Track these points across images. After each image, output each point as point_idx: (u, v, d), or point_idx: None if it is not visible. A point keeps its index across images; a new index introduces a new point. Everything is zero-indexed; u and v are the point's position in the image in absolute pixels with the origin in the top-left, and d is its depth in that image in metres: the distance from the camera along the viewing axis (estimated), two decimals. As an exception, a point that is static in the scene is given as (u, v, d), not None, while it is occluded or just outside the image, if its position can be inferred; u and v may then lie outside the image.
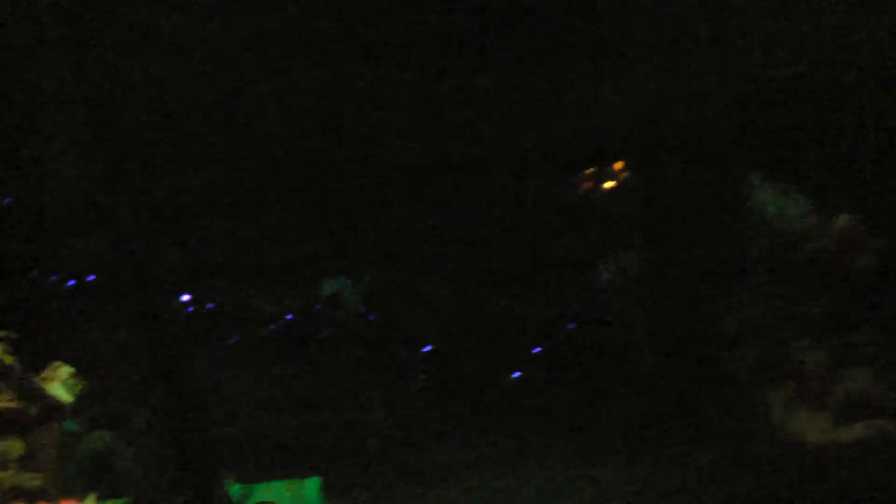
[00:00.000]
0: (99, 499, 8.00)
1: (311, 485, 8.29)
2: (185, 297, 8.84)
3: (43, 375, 7.73)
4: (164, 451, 7.57)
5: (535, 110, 9.12)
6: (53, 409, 7.72)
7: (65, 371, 7.88)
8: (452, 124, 8.96)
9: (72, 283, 8.62)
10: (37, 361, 7.72)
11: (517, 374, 9.11)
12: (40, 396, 7.70)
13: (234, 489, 8.06)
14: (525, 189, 9.08)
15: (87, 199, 8.08)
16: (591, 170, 9.32)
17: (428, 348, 9.06)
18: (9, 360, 7.68)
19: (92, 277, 9.16)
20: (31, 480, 7.93)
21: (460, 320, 9.13)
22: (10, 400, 7.81)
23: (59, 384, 7.75)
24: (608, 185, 9.38)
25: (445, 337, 9.06)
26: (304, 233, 8.87)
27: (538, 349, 9.08)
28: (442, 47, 8.82)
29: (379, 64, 8.80)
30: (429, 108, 8.97)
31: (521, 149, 8.91)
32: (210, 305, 8.96)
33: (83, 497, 7.83)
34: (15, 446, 7.90)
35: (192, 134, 8.75)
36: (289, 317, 9.00)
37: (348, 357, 9.07)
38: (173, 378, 7.36)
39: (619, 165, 9.43)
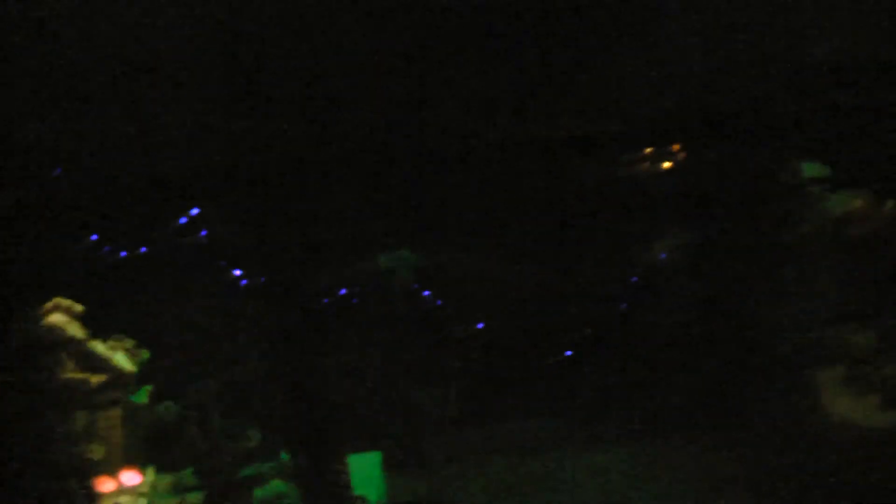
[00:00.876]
0: (163, 470, 8.15)
1: (372, 458, 8.40)
2: (237, 272, 8.93)
3: (108, 346, 7.81)
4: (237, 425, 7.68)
5: (593, 91, 9.13)
6: (118, 379, 7.82)
7: (128, 342, 7.97)
8: (509, 104, 8.97)
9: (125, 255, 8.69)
10: (101, 333, 7.83)
11: (569, 353, 9.16)
12: (106, 367, 7.80)
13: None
14: (582, 168, 9.09)
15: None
16: (649, 150, 9.33)
17: (480, 325, 9.13)
18: (75, 330, 7.78)
19: (144, 250, 9.24)
20: (93, 452, 8.09)
21: (514, 298, 9.19)
22: (74, 371, 7.95)
23: (124, 355, 7.82)
24: (666, 165, 9.39)
25: (498, 314, 9.12)
26: (362, 209, 8.90)
27: (588, 329, 9.14)
28: (498, 28, 8.83)
29: (437, 45, 8.80)
30: (484, 89, 8.98)
31: (578, 129, 8.91)
32: (263, 279, 9.01)
33: (144, 468, 7.97)
34: (78, 418, 8.03)
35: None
36: (342, 291, 9.07)
37: (400, 332, 9.14)
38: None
39: (675, 147, 9.44)
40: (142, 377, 7.79)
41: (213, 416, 7.61)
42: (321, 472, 8.00)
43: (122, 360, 7.82)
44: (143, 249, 9.10)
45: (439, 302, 9.07)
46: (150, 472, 8.00)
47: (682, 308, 9.38)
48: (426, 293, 9.10)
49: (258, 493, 7.83)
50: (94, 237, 8.81)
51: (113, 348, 7.84)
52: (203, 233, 9.06)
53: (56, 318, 7.82)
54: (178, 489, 8.19)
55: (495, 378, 9.12)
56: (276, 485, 7.88)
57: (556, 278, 9.11)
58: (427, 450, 8.56)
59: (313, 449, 8.09)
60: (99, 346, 7.81)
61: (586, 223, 9.21)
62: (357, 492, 7.90)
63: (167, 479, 8.16)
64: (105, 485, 7.98)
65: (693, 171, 9.50)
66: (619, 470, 8.70)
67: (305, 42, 8.71)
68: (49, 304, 7.86)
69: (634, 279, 9.24)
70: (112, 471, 8.01)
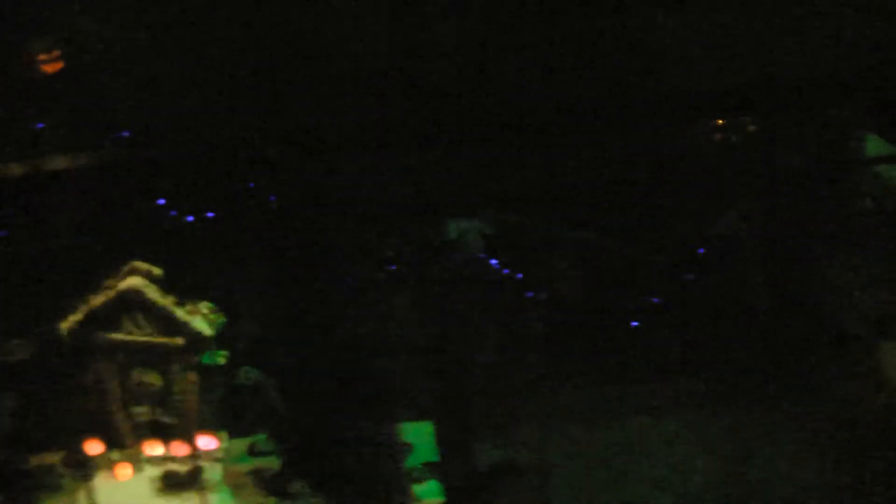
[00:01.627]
0: (239, 435, 8.16)
1: (424, 428, 8.41)
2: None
3: (186, 309, 7.80)
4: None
5: (663, 59, 9.09)
6: (196, 343, 7.81)
7: (205, 306, 7.95)
8: (581, 72, 8.93)
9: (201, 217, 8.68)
10: (179, 296, 7.81)
11: (635, 324, 9.16)
12: (184, 330, 7.79)
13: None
14: (651, 137, 9.07)
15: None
16: (720, 122, 9.29)
17: (546, 293, 9.12)
18: (152, 294, 7.77)
19: (211, 214, 9.23)
20: (167, 416, 8.10)
21: (582, 266, 9.17)
22: (151, 334, 7.94)
23: (201, 319, 7.80)
24: (734, 137, 9.36)
25: (566, 283, 9.11)
26: (432, 175, 8.88)
27: (656, 298, 9.14)
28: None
29: (515, 13, 8.77)
30: (553, 55, 8.95)
31: (649, 99, 8.88)
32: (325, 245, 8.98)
33: (220, 433, 7.97)
34: (153, 381, 8.03)
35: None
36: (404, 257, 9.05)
37: (469, 298, 9.13)
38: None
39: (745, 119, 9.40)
40: (219, 341, 7.80)
41: (293, 380, 7.61)
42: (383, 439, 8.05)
43: (200, 324, 7.79)
44: (210, 214, 9.13)
45: (507, 270, 9.08)
46: (225, 436, 8.06)
47: (747, 278, 9.38)
48: (494, 261, 9.11)
49: (335, 458, 7.88)
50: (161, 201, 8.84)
51: (191, 312, 7.83)
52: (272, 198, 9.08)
53: (134, 281, 7.84)
54: (254, 454, 8.23)
55: (563, 345, 9.12)
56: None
57: (624, 246, 9.09)
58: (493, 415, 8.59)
59: (379, 415, 8.15)
60: (178, 310, 7.81)
61: (655, 192, 9.20)
62: (422, 460, 7.93)
63: (242, 444, 8.22)
64: (180, 449, 8.03)
65: (760, 143, 9.48)
66: (690, 439, 8.75)
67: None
68: (126, 267, 7.89)
69: (701, 250, 9.22)
70: (187, 435, 8.07)
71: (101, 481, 7.96)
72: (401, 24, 8.83)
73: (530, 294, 9.12)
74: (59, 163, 8.36)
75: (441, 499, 7.53)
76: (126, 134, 8.83)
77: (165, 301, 7.78)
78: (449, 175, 8.80)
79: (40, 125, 8.46)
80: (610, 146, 8.99)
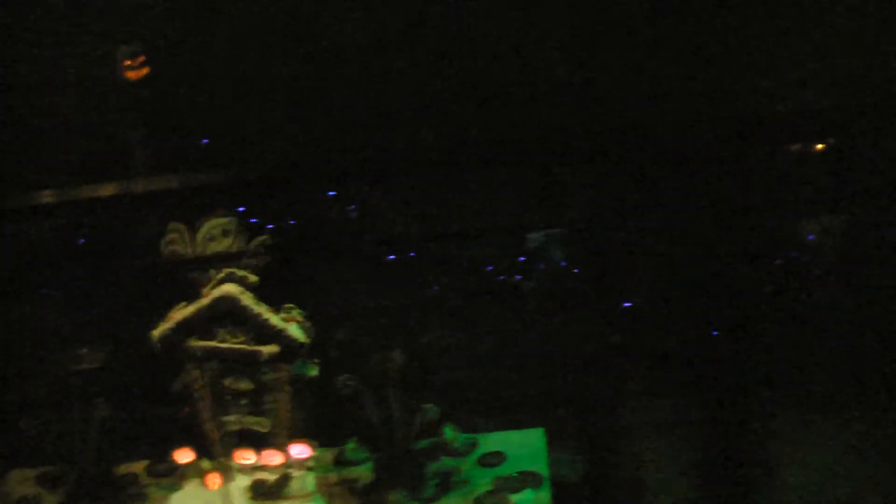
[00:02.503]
0: (333, 443, 8.07)
1: (535, 435, 8.33)
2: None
3: (281, 316, 7.73)
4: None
5: (742, 79, 9.08)
6: (290, 351, 7.75)
7: (298, 313, 7.89)
8: (665, 88, 8.91)
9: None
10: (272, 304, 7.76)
11: (715, 333, 9.09)
12: (279, 338, 7.72)
13: (459, 439, 8.08)
14: (733, 151, 9.02)
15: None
16: (804, 136, 9.24)
17: (627, 304, 9.07)
18: (248, 301, 7.70)
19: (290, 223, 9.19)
20: (258, 424, 8.02)
21: (663, 278, 9.12)
22: (244, 342, 7.87)
23: (296, 326, 7.74)
24: (818, 147, 9.32)
25: (647, 294, 9.06)
26: (515, 186, 8.84)
27: (736, 310, 9.07)
28: (668, 10, 8.78)
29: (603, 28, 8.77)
30: (647, 73, 8.93)
31: (728, 115, 8.85)
32: (412, 254, 8.95)
33: (313, 441, 7.89)
34: (245, 389, 7.96)
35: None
36: (489, 267, 9.00)
37: (550, 310, 9.07)
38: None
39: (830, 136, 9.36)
40: (314, 349, 7.74)
41: (392, 389, 7.53)
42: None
43: (295, 332, 7.73)
44: (292, 222, 9.08)
45: (587, 280, 9.02)
46: (316, 445, 7.97)
47: (829, 290, 9.33)
48: (576, 271, 9.05)
49: (431, 467, 7.79)
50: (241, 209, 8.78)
51: (286, 320, 7.77)
52: (352, 207, 9.04)
53: (229, 289, 7.78)
54: (342, 463, 8.15)
55: (642, 356, 9.06)
56: (447, 461, 7.85)
57: (705, 258, 9.04)
58: (590, 427, 8.52)
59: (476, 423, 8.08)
60: (273, 317, 7.74)
61: (738, 205, 9.15)
62: (522, 468, 7.85)
63: (333, 452, 8.13)
64: (273, 458, 7.96)
65: (845, 159, 9.45)
66: (781, 449, 8.70)
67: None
68: (221, 274, 7.83)
69: (779, 261, 9.18)
70: (279, 444, 7.99)
71: (190, 490, 7.96)
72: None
73: (612, 305, 9.10)
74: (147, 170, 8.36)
75: (541, 509, 7.49)
76: (205, 141, 8.82)
77: (260, 308, 7.75)
78: (539, 187, 8.79)
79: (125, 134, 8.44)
80: (695, 161, 8.96)
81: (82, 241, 8.33)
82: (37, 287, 8.18)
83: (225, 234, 7.78)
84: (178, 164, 8.53)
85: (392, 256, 8.90)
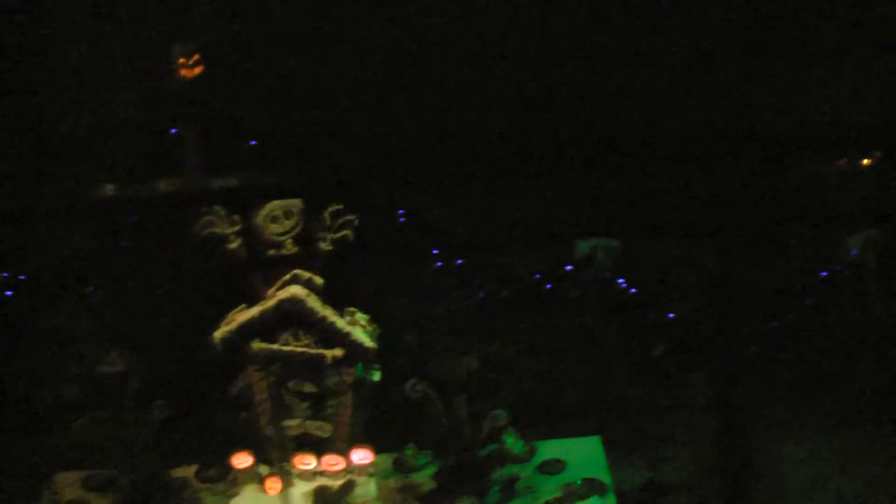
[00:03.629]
0: (398, 448, 7.98)
1: (592, 443, 8.31)
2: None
3: (346, 320, 7.63)
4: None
5: (792, 92, 9.19)
6: (356, 355, 7.64)
7: (362, 317, 7.79)
8: (718, 97, 8.98)
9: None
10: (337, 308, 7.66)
11: (753, 348, 9.16)
12: (344, 342, 7.62)
13: (518, 446, 8.04)
14: (782, 164, 9.10)
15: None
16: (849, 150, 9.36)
17: (671, 315, 9.10)
18: (314, 304, 7.59)
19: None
20: (319, 429, 7.91)
21: (707, 289, 9.16)
22: (308, 345, 7.75)
23: (361, 329, 7.64)
24: (865, 161, 9.42)
25: (691, 305, 9.09)
26: (563, 194, 8.84)
27: (779, 322, 9.15)
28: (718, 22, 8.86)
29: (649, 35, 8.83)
30: (696, 81, 9.00)
31: (784, 126, 8.94)
32: (459, 262, 8.91)
33: (375, 447, 7.79)
34: (308, 393, 7.84)
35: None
36: (536, 276, 8.99)
37: (596, 319, 9.08)
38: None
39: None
40: (380, 354, 7.65)
41: (461, 394, 7.47)
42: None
43: (361, 335, 7.64)
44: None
45: (633, 290, 9.05)
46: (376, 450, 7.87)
47: (870, 302, 9.43)
48: (621, 280, 9.07)
49: (496, 474, 7.74)
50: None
51: (351, 323, 7.67)
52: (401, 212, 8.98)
53: (295, 291, 7.67)
54: (402, 469, 8.07)
55: (685, 365, 9.10)
56: (509, 468, 7.80)
57: (749, 270, 9.10)
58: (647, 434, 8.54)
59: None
60: (339, 321, 7.64)
61: (783, 217, 9.23)
62: (583, 476, 7.82)
63: (392, 458, 8.05)
64: (334, 463, 7.84)
65: (886, 168, 9.56)
66: (823, 458, 8.77)
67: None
68: (287, 276, 7.72)
69: (824, 273, 9.26)
70: (341, 449, 7.88)
71: (248, 496, 7.81)
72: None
73: (655, 314, 9.13)
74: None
75: (609, 515, 7.47)
76: (253, 143, 8.72)
77: (326, 311, 7.64)
78: (584, 194, 8.80)
79: (174, 130, 8.30)
80: (742, 172, 9.03)
81: (132, 239, 8.17)
82: (88, 286, 8.01)
83: (287, 215, 7.64)
84: (232, 163, 8.43)
85: (440, 263, 8.88)
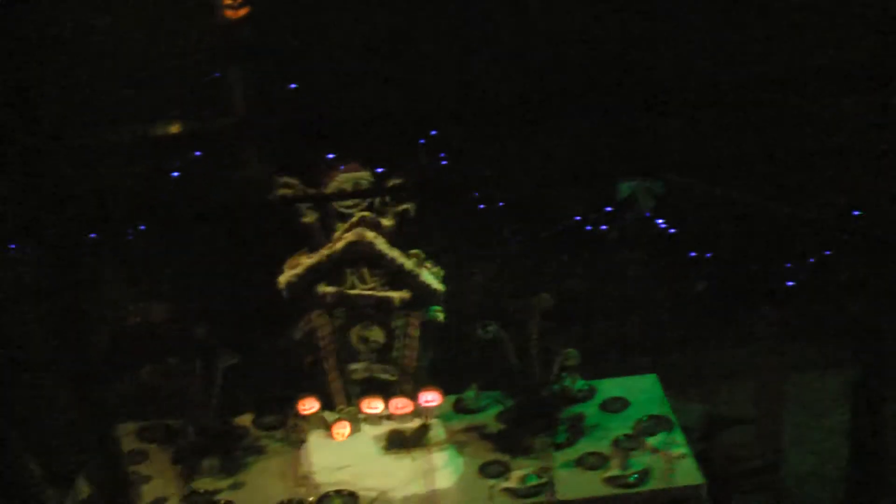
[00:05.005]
0: (466, 389, 7.95)
1: (650, 381, 8.36)
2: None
3: (413, 262, 7.55)
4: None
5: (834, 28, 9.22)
6: (424, 296, 7.57)
7: (426, 260, 7.71)
8: (754, 38, 8.99)
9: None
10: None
11: (791, 284, 9.26)
12: (413, 284, 7.54)
13: (579, 384, 8.06)
14: (821, 105, 9.15)
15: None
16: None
17: (709, 255, 9.16)
18: (382, 246, 7.50)
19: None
20: (385, 373, 7.84)
21: (747, 228, 9.23)
22: (375, 288, 7.67)
23: (428, 272, 7.57)
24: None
25: (731, 243, 9.16)
26: (605, 135, 8.82)
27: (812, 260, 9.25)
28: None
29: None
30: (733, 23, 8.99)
31: (820, 65, 8.98)
32: (501, 203, 8.86)
33: (443, 389, 7.75)
34: (375, 335, 7.77)
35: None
36: (577, 217, 8.98)
37: (637, 258, 9.11)
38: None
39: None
40: (449, 295, 7.59)
41: (533, 334, 7.44)
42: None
43: (429, 278, 7.57)
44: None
45: (672, 230, 9.09)
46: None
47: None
48: (659, 221, 9.10)
49: (565, 413, 7.75)
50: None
51: (418, 265, 7.59)
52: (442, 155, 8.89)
53: (364, 233, 7.56)
54: (463, 410, 8.04)
55: (723, 304, 9.18)
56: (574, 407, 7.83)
57: (785, 209, 9.18)
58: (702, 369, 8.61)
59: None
60: (408, 263, 7.56)
61: (817, 155, 9.29)
62: (645, 413, 7.88)
63: (455, 400, 8.03)
64: (402, 406, 7.79)
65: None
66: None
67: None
68: (355, 218, 7.60)
69: (856, 212, 9.36)
70: (408, 392, 7.82)
71: (316, 442, 7.73)
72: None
73: (693, 254, 9.19)
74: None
75: (684, 449, 7.52)
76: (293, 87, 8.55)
77: (395, 253, 7.56)
78: (626, 135, 8.78)
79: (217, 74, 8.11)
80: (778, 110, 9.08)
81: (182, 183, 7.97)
82: (139, 230, 7.80)
83: (356, 187, 7.56)
84: (276, 106, 8.27)
85: (482, 206, 8.83)
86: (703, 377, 8.72)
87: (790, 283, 9.37)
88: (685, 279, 9.24)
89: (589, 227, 9.09)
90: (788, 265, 9.30)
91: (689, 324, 9.02)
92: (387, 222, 7.52)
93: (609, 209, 9.10)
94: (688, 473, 7.38)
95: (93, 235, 6.96)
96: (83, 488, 7.42)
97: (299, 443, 7.72)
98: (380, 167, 7.96)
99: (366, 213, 7.49)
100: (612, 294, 8.93)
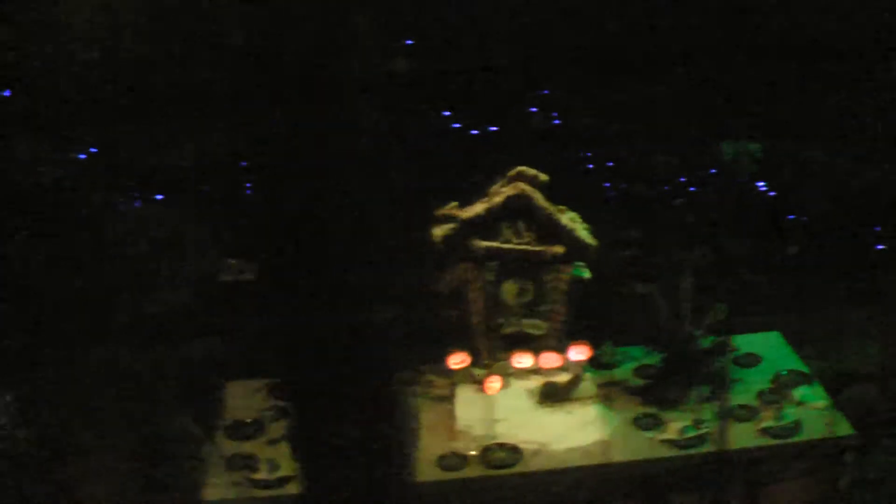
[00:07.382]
0: (613, 344, 7.98)
1: (774, 337, 8.49)
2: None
3: (569, 217, 7.56)
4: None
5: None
6: (578, 251, 7.59)
7: (575, 215, 7.73)
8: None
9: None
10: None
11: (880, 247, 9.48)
12: (567, 239, 7.56)
13: (711, 340, 8.16)
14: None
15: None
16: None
17: (804, 219, 9.34)
18: (540, 200, 7.50)
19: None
20: (534, 327, 7.84)
21: (843, 191, 9.42)
22: (528, 242, 7.66)
23: (582, 227, 7.59)
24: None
25: (828, 206, 9.34)
26: (710, 94, 8.92)
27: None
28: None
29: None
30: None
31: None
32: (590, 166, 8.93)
33: (592, 343, 7.77)
34: (525, 291, 7.76)
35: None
36: (682, 179, 9.08)
37: (737, 221, 9.24)
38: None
39: None
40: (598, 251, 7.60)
41: (685, 289, 7.51)
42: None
43: (583, 233, 7.60)
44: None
45: (773, 193, 9.25)
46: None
47: None
48: (759, 184, 9.24)
49: (708, 368, 7.83)
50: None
51: (573, 220, 7.60)
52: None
53: (523, 187, 7.55)
54: (602, 365, 8.08)
55: (817, 267, 9.36)
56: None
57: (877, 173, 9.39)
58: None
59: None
60: (563, 217, 7.57)
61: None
62: (778, 368, 8.00)
63: (604, 351, 8.07)
64: (550, 360, 7.80)
65: None
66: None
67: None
68: (512, 172, 7.58)
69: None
70: (557, 346, 7.84)
71: (465, 396, 7.69)
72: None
73: (791, 217, 9.36)
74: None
75: (827, 402, 7.68)
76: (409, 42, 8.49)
77: (552, 208, 7.57)
78: (727, 97, 8.90)
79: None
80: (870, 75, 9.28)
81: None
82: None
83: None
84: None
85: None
86: (820, 336, 8.93)
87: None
88: (786, 243, 9.44)
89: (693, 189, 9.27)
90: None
91: (803, 284, 9.21)
92: (543, 177, 7.58)
93: (713, 171, 9.30)
94: (838, 424, 7.60)
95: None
96: None
97: (442, 398, 7.76)
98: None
99: (523, 168, 7.55)
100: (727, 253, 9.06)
